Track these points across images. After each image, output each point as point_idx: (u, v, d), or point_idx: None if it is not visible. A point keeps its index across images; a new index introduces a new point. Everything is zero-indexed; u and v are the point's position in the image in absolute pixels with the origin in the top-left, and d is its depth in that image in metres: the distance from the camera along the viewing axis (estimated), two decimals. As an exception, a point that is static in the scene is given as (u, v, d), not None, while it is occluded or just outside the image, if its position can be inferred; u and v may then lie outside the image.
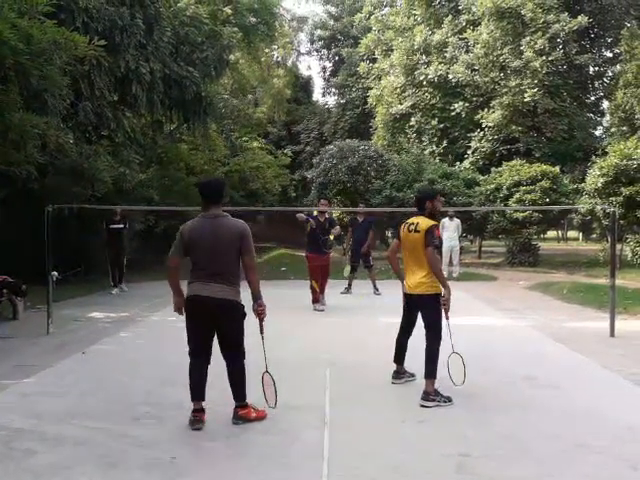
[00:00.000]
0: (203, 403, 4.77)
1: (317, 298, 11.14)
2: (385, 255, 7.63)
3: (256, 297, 4.81)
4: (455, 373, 5.55)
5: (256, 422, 4.82)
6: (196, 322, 4.75)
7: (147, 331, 8.90)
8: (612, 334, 8.46)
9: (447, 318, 5.52)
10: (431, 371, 5.38)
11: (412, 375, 5.97)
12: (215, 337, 4.80)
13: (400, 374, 6.03)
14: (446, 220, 16.52)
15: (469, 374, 5.55)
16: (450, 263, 16.60)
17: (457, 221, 16.70)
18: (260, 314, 4.83)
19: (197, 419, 4.69)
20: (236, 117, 26.76)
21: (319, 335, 8.75)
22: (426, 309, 5.58)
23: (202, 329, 4.75)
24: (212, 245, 4.68)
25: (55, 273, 9.03)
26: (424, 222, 5.53)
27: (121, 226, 13.31)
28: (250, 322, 4.86)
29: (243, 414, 4.80)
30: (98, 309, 10.95)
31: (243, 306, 4.80)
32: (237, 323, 4.77)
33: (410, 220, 5.71)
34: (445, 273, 16.07)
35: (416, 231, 5.56)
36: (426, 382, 5.39)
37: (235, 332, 4.79)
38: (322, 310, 11.03)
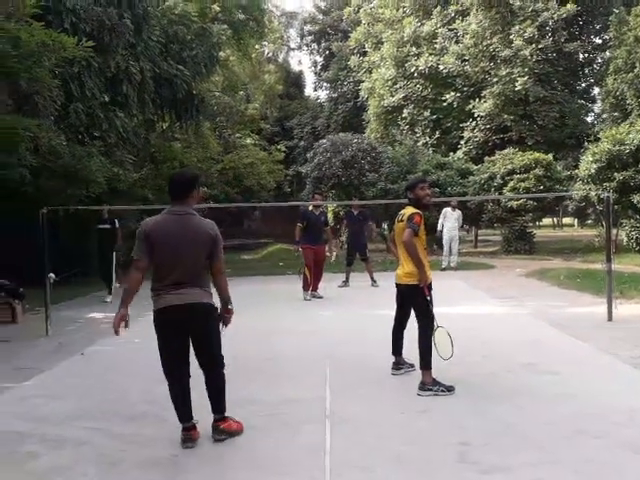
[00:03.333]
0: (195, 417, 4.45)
1: (307, 287, 11.49)
2: (382, 248, 7.61)
3: (226, 302, 4.44)
4: (442, 347, 5.41)
5: (241, 429, 4.50)
6: (171, 336, 4.29)
7: (145, 330, 8.73)
8: (610, 319, 8.50)
9: (427, 295, 5.44)
10: (426, 362, 5.37)
11: (411, 365, 5.96)
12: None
13: (399, 365, 6.03)
14: (448, 210, 16.62)
15: (469, 363, 5.54)
16: (449, 253, 16.66)
17: (459, 212, 16.81)
18: (226, 321, 4.43)
19: (188, 437, 4.34)
20: (228, 114, 26.75)
21: (318, 328, 8.75)
22: (414, 299, 5.56)
23: (178, 343, 4.31)
24: (179, 247, 4.22)
25: (52, 275, 9.01)
26: (408, 211, 5.58)
27: (108, 226, 12.39)
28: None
29: (225, 427, 4.42)
30: (96, 310, 10.95)
31: (217, 308, 4.43)
32: (213, 327, 4.37)
33: (401, 212, 5.78)
34: (444, 263, 16.28)
35: (401, 221, 5.65)
36: (422, 372, 5.39)
37: (212, 337, 4.38)
38: (309, 300, 11.45)
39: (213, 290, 4.43)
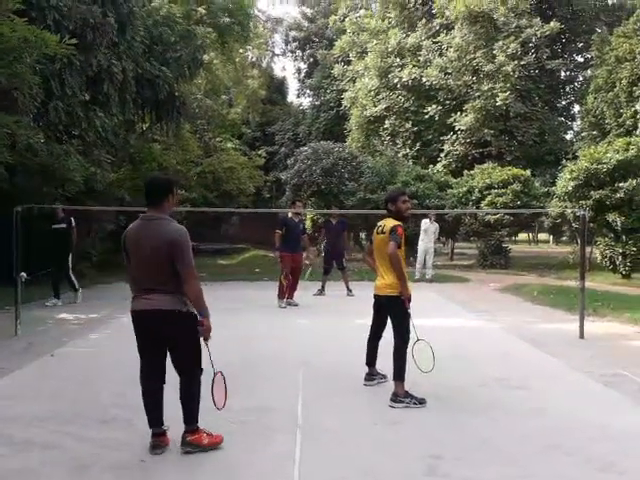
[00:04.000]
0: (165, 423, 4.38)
1: (283, 294, 11.49)
2: (359, 257, 7.59)
3: (199, 313, 4.19)
4: (422, 361, 5.49)
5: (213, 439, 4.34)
6: (142, 341, 4.27)
7: (117, 332, 8.75)
8: (582, 336, 8.56)
9: (407, 308, 5.46)
10: (399, 373, 5.39)
11: (384, 377, 5.97)
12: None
13: (372, 376, 6.03)
14: (427, 222, 16.63)
15: (442, 376, 5.55)
16: (424, 266, 16.69)
17: (436, 225, 16.89)
18: (205, 336, 4.21)
19: (157, 443, 4.27)
20: (210, 117, 26.65)
21: (292, 336, 8.72)
22: (393, 311, 5.58)
23: (150, 348, 4.27)
24: (143, 252, 4.17)
25: (24, 274, 8.88)
26: (389, 222, 5.59)
27: (63, 226, 11.57)
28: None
29: (193, 440, 4.26)
30: (67, 310, 10.83)
31: (193, 314, 4.22)
32: (186, 335, 4.22)
33: (380, 222, 5.78)
34: (418, 274, 16.30)
35: (382, 232, 5.63)
36: (395, 384, 5.41)
37: (183, 344, 4.25)
38: (284, 307, 11.43)
39: None
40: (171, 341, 4.27)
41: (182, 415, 4.32)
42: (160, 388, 4.32)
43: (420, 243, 16.67)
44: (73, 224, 11.75)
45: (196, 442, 4.27)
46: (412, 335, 5.51)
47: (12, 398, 5.55)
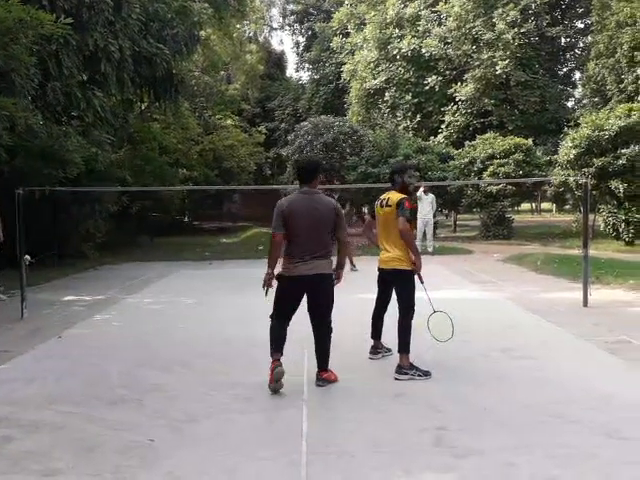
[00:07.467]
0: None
1: None
2: (361, 231, 7.57)
3: (340, 266, 5.34)
4: (439, 331, 5.62)
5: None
6: (293, 297, 5.18)
7: (123, 313, 8.83)
8: (585, 304, 8.58)
9: (422, 282, 5.58)
10: (404, 345, 5.43)
11: (389, 350, 6.00)
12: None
13: (377, 349, 6.06)
14: (422, 195, 16.50)
15: (446, 348, 5.57)
16: (424, 238, 16.64)
17: (431, 196, 16.72)
18: (337, 280, 5.31)
19: (278, 365, 5.01)
20: (208, 95, 26.48)
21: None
22: (399, 283, 5.61)
23: (296, 302, 5.21)
24: (311, 221, 4.99)
25: (28, 257, 8.89)
26: (395, 196, 5.55)
27: None
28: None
29: (327, 376, 5.25)
30: (73, 292, 10.85)
31: (333, 275, 5.25)
32: (331, 290, 5.23)
33: (383, 196, 5.74)
34: (420, 248, 16.24)
35: (387, 205, 5.57)
36: (400, 356, 5.44)
37: (330, 299, 5.24)
38: None
39: None
40: (322, 297, 5.17)
41: (317, 361, 5.30)
42: (287, 327, 5.27)
43: (418, 217, 16.48)
44: None
45: (328, 378, 5.25)
46: (427, 308, 5.55)
47: (21, 380, 5.59)
